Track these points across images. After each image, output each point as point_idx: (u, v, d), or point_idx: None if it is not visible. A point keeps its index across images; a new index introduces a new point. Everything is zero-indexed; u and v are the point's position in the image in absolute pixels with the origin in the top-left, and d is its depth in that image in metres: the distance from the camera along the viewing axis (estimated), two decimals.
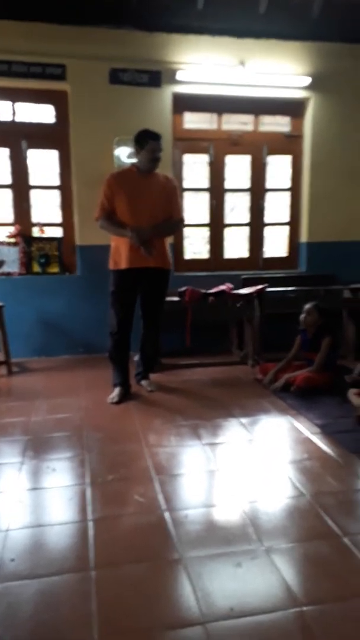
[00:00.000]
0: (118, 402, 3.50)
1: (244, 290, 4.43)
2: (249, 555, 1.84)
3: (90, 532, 2.00)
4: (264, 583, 1.69)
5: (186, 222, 4.92)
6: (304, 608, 1.58)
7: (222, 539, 1.94)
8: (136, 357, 3.88)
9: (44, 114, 4.54)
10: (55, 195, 4.68)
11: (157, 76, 4.42)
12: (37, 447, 2.80)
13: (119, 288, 3.52)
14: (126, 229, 3.38)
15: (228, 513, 2.14)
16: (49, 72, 4.26)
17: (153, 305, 3.65)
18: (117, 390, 3.58)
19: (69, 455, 2.71)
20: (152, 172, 3.50)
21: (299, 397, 3.53)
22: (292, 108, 4.91)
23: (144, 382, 3.80)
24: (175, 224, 3.66)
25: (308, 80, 4.67)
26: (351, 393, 3.40)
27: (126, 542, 1.94)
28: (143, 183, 3.47)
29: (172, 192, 3.58)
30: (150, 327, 3.73)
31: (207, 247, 5.06)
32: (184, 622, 1.53)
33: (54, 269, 4.65)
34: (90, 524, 2.05)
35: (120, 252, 3.47)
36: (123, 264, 3.45)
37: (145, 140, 3.38)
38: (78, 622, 1.53)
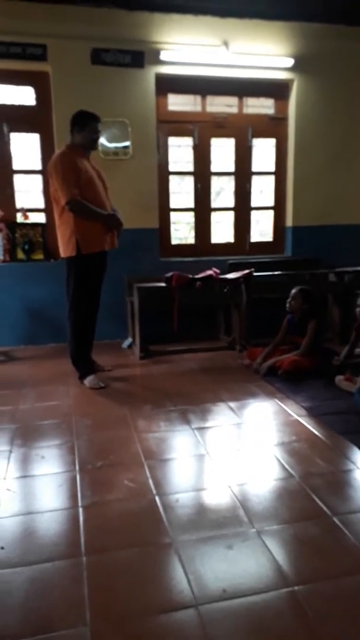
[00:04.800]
0: (104, 385, 3.52)
1: (231, 275, 4.42)
2: (240, 538, 1.85)
3: (81, 518, 1.99)
4: (256, 564, 1.71)
5: (172, 206, 4.89)
6: (296, 587, 1.59)
7: (213, 522, 1.95)
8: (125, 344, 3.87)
9: (24, 96, 4.43)
10: (38, 180, 4.59)
11: (140, 56, 4.34)
12: (26, 435, 2.77)
13: (95, 271, 3.49)
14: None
15: (218, 496, 2.14)
16: (29, 53, 4.16)
17: (101, 285, 3.64)
18: (93, 377, 3.57)
19: (58, 442, 2.69)
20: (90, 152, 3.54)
21: (286, 381, 3.55)
22: (276, 90, 4.86)
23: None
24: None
25: (291, 62, 4.62)
26: (339, 380, 3.43)
27: (117, 527, 1.94)
28: (91, 165, 3.50)
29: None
30: (97, 309, 3.68)
31: (193, 232, 5.02)
32: (176, 605, 1.53)
33: (39, 255, 4.58)
34: (81, 510, 2.04)
35: (97, 233, 3.42)
36: (103, 245, 3.47)
37: (88, 122, 3.40)
38: (69, 608, 1.53)
